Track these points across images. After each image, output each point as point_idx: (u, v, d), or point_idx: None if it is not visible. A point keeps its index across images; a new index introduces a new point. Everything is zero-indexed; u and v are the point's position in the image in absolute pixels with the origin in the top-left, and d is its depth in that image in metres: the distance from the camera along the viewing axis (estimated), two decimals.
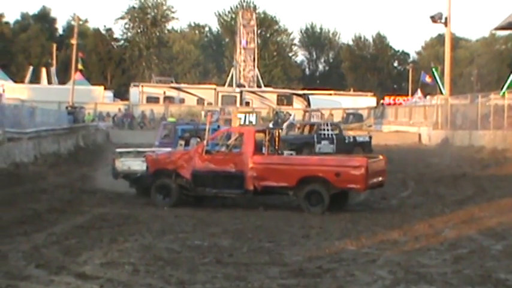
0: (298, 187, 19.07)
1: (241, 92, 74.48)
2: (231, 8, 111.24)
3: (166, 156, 20.75)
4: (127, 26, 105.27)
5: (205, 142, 20.13)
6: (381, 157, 20.61)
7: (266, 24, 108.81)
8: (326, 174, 18.90)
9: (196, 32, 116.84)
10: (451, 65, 52.09)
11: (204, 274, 11.26)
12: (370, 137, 40.87)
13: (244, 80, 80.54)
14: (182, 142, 22.22)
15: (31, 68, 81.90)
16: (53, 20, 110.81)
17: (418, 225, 16.29)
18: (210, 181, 19.63)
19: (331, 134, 38.43)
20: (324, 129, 38.81)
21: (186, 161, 19.93)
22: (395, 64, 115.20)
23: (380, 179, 19.71)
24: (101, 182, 25.63)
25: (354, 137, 40.22)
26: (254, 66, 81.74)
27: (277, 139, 20.65)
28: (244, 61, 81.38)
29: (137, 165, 21.43)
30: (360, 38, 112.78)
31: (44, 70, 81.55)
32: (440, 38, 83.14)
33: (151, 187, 20.20)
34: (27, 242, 13.82)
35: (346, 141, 38.58)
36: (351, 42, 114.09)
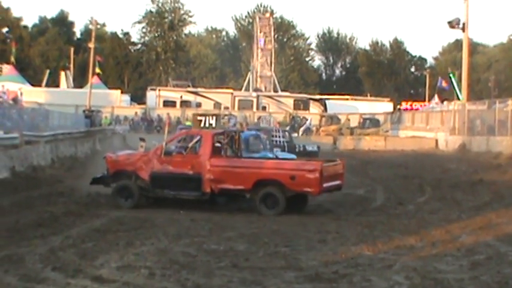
0: (254, 190, 19.19)
1: (258, 97, 74.48)
2: (248, 13, 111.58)
3: (125, 157, 20.92)
4: (144, 30, 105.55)
5: (163, 144, 20.23)
6: (338, 161, 20.75)
7: (283, 29, 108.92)
8: (281, 178, 19.03)
9: (214, 36, 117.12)
10: (468, 71, 51.92)
11: (220, 278, 11.26)
12: (319, 147, 41.20)
13: (260, 82, 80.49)
14: (143, 144, 22.24)
15: (48, 71, 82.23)
16: (71, 24, 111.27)
17: (435, 231, 16.22)
18: (168, 183, 19.76)
19: (283, 141, 37.65)
20: (276, 136, 37.88)
21: (144, 163, 20.09)
22: (413, 69, 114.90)
23: (337, 182, 19.84)
24: None
25: (304, 146, 40.01)
26: (271, 68, 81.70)
27: (237, 142, 20.68)
28: (261, 64, 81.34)
29: None
30: (377, 43, 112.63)
31: (63, 73, 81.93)
32: (458, 44, 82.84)
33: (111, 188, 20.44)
34: (44, 245, 13.88)
35: (297, 149, 37.59)
36: (368, 47, 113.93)
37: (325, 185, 19.03)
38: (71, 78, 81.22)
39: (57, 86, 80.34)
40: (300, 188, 18.98)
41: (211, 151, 19.71)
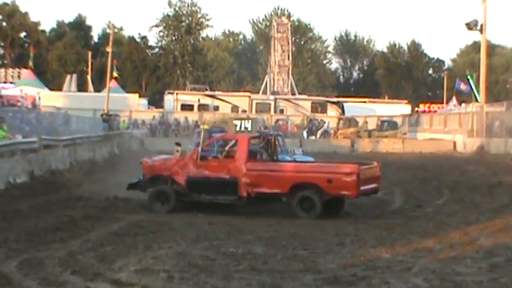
0: (290, 193, 19.21)
1: (275, 100, 74.41)
2: (265, 16, 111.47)
3: (161, 162, 20.98)
4: (162, 33, 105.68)
5: (199, 148, 20.26)
6: (375, 164, 20.72)
7: (300, 31, 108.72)
8: (318, 181, 19.08)
9: (231, 39, 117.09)
10: (486, 72, 51.63)
11: (238, 281, 11.28)
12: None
13: (277, 86, 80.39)
14: (178, 148, 22.21)
15: (68, 76, 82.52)
16: (89, 28, 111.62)
17: (454, 233, 16.19)
18: (204, 187, 19.85)
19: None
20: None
21: (181, 167, 20.19)
22: (430, 71, 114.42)
23: (374, 185, 19.90)
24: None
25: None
26: (288, 77, 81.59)
27: (272, 145, 20.73)
28: (278, 73, 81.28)
29: None
30: (395, 45, 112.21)
31: (89, 77, 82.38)
32: (476, 45, 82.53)
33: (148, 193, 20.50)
34: (63, 248, 13.95)
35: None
36: (385, 50, 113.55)
37: (362, 188, 19.03)
38: (75, 82, 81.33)
39: (81, 90, 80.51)
40: (337, 191, 19.04)
41: (248, 155, 19.77)
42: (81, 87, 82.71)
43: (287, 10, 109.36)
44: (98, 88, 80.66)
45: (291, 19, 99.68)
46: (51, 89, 77.49)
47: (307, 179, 19.39)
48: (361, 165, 19.68)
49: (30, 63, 78.76)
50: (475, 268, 12.40)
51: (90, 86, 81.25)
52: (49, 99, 64.63)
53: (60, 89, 79.09)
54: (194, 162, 20.09)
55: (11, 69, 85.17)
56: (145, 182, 20.92)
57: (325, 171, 19.50)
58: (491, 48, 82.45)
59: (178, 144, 23.04)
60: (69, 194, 23.02)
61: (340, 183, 18.94)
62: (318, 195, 19.08)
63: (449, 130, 55.30)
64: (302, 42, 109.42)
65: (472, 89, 57.06)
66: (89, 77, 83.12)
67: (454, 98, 76.73)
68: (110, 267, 12.18)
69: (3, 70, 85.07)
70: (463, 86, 69.05)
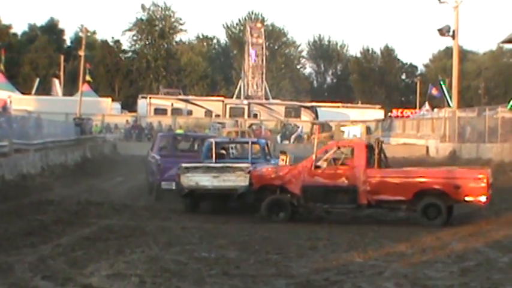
0: (414, 200, 18.89)
1: (249, 104, 74.50)
2: (239, 20, 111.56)
3: (272, 171, 20.35)
4: (135, 37, 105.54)
5: (313, 156, 19.78)
6: (488, 169, 20.30)
7: (274, 36, 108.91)
8: (445, 187, 18.77)
9: (204, 44, 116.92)
10: (458, 78, 52.00)
11: (210, 286, 11.25)
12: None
13: (251, 90, 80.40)
14: (284, 157, 21.73)
15: (38, 79, 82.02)
16: (61, 32, 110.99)
17: (425, 238, 16.28)
18: (321, 196, 19.40)
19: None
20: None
21: (294, 176, 19.66)
22: (403, 77, 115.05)
23: (490, 191, 19.36)
24: (108, 193, 25.70)
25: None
26: (262, 79, 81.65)
27: (383, 152, 20.16)
28: (252, 77, 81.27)
29: (206, 180, 20.63)
30: (368, 50, 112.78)
31: (57, 81, 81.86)
32: (448, 51, 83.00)
33: (260, 203, 19.88)
34: (33, 253, 13.82)
35: None
36: (359, 55, 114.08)
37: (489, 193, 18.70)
38: (55, 86, 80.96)
39: (48, 94, 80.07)
40: (465, 197, 18.73)
41: (366, 162, 19.37)
42: (47, 91, 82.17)
43: (261, 15, 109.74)
44: (71, 92, 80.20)
45: (265, 24, 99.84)
46: (22, 93, 76.98)
47: (433, 185, 18.97)
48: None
49: (1, 67, 78.07)
50: (446, 272, 12.46)
51: (58, 90, 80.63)
52: (20, 103, 64.28)
53: (30, 92, 78.53)
54: (309, 171, 19.53)
55: None
56: (254, 192, 20.19)
57: (453, 177, 19.10)
58: (463, 54, 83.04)
59: (283, 152, 22.64)
60: (40, 198, 22.79)
61: (469, 189, 18.63)
62: (443, 202, 18.77)
63: (422, 135, 55.62)
64: (276, 47, 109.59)
65: (444, 95, 57.42)
66: (57, 80, 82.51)
67: (426, 103, 77.19)
68: (81, 272, 12.09)
69: None
70: (435, 92, 69.55)
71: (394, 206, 19.47)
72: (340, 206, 19.56)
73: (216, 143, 23.72)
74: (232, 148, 27.57)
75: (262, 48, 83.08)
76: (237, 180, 20.42)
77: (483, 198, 18.62)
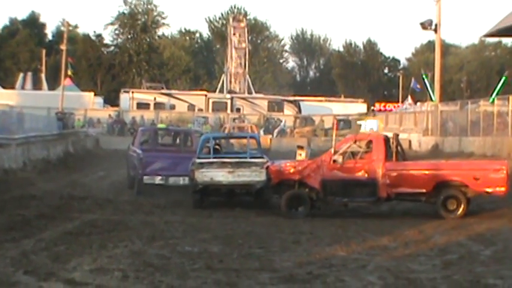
0: (434, 192, 18.97)
1: (232, 99, 74.46)
2: (222, 14, 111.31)
3: (290, 166, 20.18)
4: (117, 32, 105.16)
5: (332, 150, 19.71)
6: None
7: (257, 30, 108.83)
8: (465, 179, 18.88)
9: (187, 38, 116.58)
10: (441, 72, 52.11)
11: (194, 280, 11.23)
12: None
13: (234, 82, 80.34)
14: (301, 152, 21.59)
15: (21, 74, 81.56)
16: (42, 26, 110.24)
17: (408, 231, 16.34)
18: (341, 190, 19.35)
19: None
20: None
21: (313, 171, 19.60)
22: (386, 71, 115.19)
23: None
24: (91, 187, 25.63)
25: None
26: (245, 66, 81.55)
27: (401, 145, 20.30)
28: (234, 62, 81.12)
29: (221, 176, 20.51)
30: (351, 44, 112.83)
31: (43, 76, 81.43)
32: (430, 45, 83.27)
33: (280, 198, 19.81)
34: (15, 248, 13.75)
35: None
36: (341, 49, 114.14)
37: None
38: (29, 81, 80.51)
39: (38, 88, 79.56)
40: (485, 188, 18.80)
41: (385, 155, 19.38)
42: (35, 85, 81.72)
43: (243, 9, 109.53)
44: (53, 86, 79.86)
45: (247, 17, 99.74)
46: (4, 87, 76.55)
47: (452, 176, 19.07)
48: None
49: None
50: (429, 265, 12.52)
51: (45, 85, 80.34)
52: (2, 97, 63.95)
53: (13, 87, 78.11)
54: (328, 165, 19.47)
55: None
56: (272, 187, 20.14)
57: (472, 168, 19.28)
58: (446, 48, 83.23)
59: (301, 147, 22.46)
60: (23, 193, 22.66)
61: (488, 180, 18.71)
62: (463, 194, 18.84)
63: (405, 129, 55.74)
64: (258, 41, 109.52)
65: (426, 88, 57.55)
66: (43, 75, 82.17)
67: (409, 97, 77.39)
68: (63, 267, 12.04)
69: None
70: (418, 85, 69.75)
71: (414, 198, 19.59)
72: (360, 199, 19.59)
73: (213, 137, 23.60)
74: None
75: (245, 34, 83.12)
76: (251, 175, 20.41)
77: (503, 189, 18.71)
